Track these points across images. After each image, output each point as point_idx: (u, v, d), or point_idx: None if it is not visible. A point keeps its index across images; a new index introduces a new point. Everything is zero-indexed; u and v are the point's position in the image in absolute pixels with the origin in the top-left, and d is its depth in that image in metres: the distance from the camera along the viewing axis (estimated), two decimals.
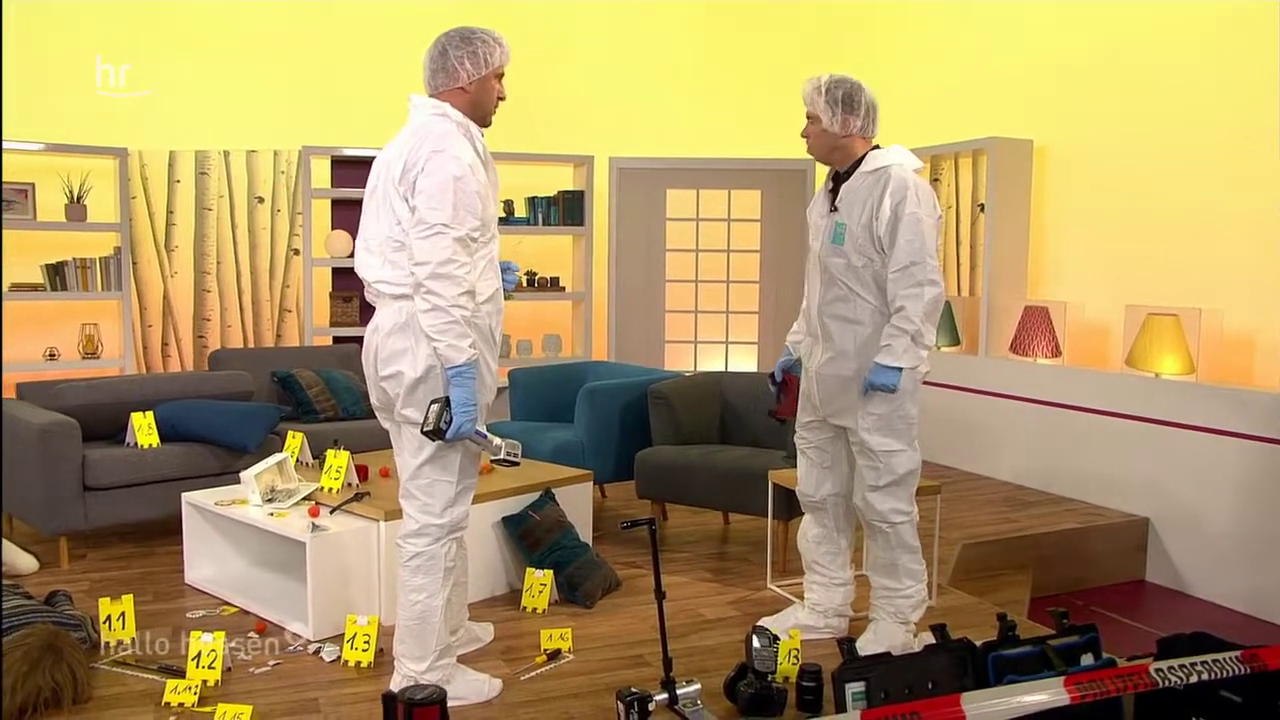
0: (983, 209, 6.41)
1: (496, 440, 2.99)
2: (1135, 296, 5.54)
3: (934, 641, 3.11)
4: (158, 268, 7.00)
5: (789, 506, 4.26)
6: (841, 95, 3.27)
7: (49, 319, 6.89)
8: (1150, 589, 5.19)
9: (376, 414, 3.09)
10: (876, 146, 3.36)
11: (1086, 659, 3.23)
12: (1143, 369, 5.33)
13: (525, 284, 7.56)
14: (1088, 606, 4.83)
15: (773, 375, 3.74)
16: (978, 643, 3.09)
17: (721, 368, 7.80)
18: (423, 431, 2.84)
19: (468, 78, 2.93)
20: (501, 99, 3.03)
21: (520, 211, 7.59)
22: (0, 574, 3.88)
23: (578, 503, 4.31)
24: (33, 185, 6.71)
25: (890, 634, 3.46)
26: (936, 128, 6.87)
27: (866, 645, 3.42)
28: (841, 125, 3.27)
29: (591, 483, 4.44)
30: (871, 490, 3.41)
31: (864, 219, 3.25)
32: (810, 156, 3.51)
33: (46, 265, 6.69)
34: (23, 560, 4.25)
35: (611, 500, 5.61)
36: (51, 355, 6.73)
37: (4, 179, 6.64)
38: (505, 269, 3.19)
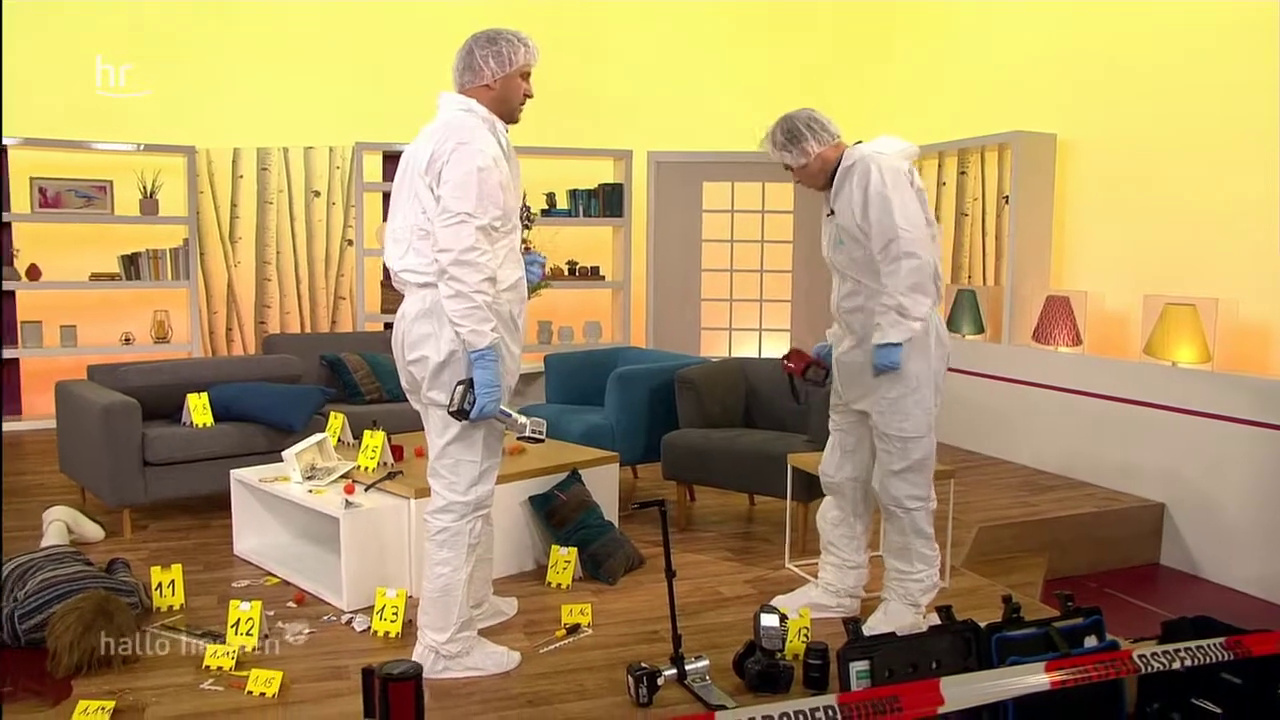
0: (1007, 201, 6.25)
1: (521, 419, 2.97)
2: (1153, 286, 5.37)
3: (939, 622, 3.05)
4: (222, 258, 7.09)
5: (809, 489, 4.20)
6: (784, 136, 3.27)
7: (125, 306, 7.03)
8: (1165, 573, 5.04)
9: (407, 396, 3.08)
10: (859, 141, 3.31)
11: (1090, 641, 3.13)
12: (1160, 358, 5.16)
13: (567, 273, 7.55)
14: (1102, 589, 4.70)
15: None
16: (984, 624, 3.02)
17: (755, 354, 7.73)
18: (449, 412, 2.82)
19: (492, 75, 2.91)
20: (528, 96, 3.00)
21: (562, 203, 7.57)
22: None
23: (604, 483, 4.27)
24: (111, 182, 6.83)
25: (899, 615, 3.39)
26: (964, 122, 6.72)
27: (875, 625, 3.35)
28: (804, 154, 3.26)
29: (617, 464, 4.39)
30: (889, 475, 3.34)
31: (850, 213, 3.22)
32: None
33: (122, 256, 6.81)
34: (90, 529, 4.32)
35: (644, 481, 5.57)
36: (127, 339, 6.85)
37: (86, 177, 6.78)
38: (532, 261, 3.16)
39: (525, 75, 2.97)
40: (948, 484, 3.98)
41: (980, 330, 6.43)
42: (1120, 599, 4.60)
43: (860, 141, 3.30)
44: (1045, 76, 6.32)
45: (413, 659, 3.00)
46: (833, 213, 3.33)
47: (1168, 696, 3.07)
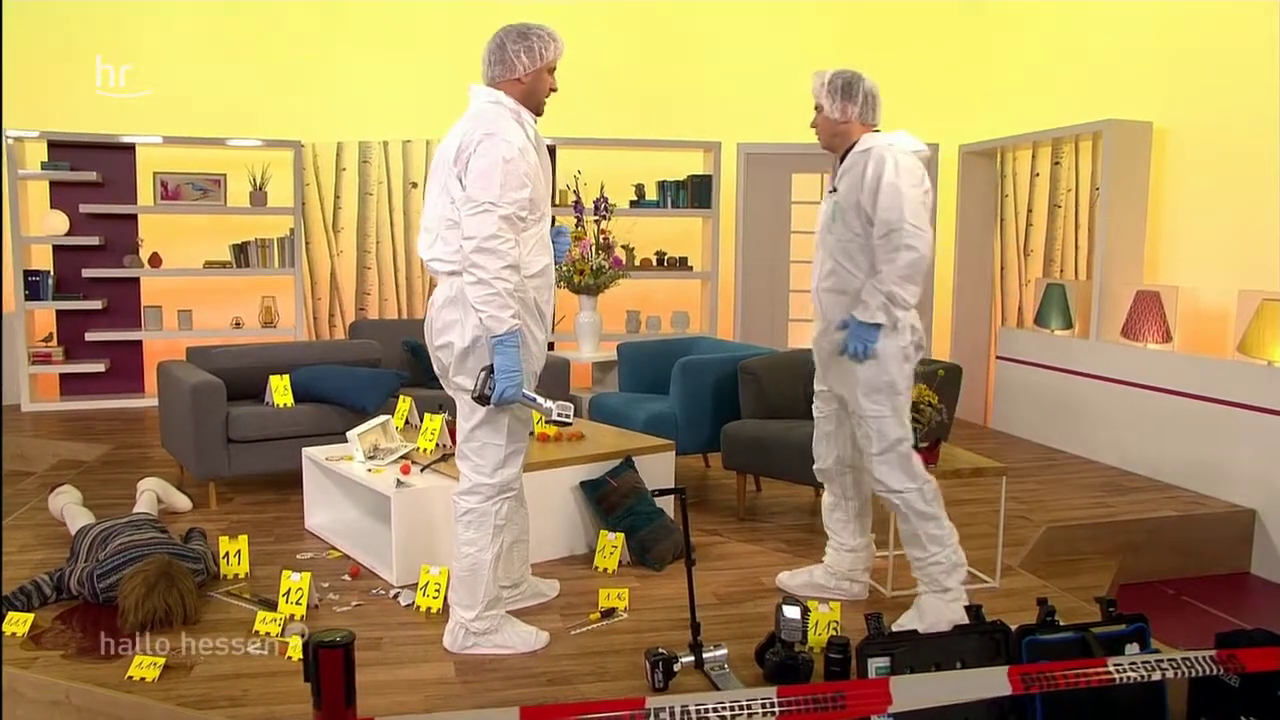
0: (1099, 191, 5.95)
1: (547, 402, 2.97)
2: (1251, 281, 5.03)
3: (968, 621, 2.94)
4: (326, 247, 7.37)
5: None
6: (841, 84, 3.26)
7: (236, 292, 7.38)
8: (1255, 582, 4.73)
9: (440, 382, 3.15)
10: (878, 130, 3.29)
11: (1132, 649, 2.98)
12: (1255, 356, 4.84)
13: (655, 263, 7.55)
14: (1179, 596, 4.45)
15: None
16: (1016, 626, 2.91)
17: None
18: (472, 397, 2.88)
19: (524, 70, 2.95)
20: (553, 90, 3.04)
21: (650, 194, 7.57)
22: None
23: (660, 470, 4.27)
24: (224, 176, 7.18)
25: (934, 610, 3.29)
26: (1058, 110, 6.43)
27: (907, 623, 3.26)
28: (841, 112, 3.26)
29: (673, 452, 4.39)
30: (871, 460, 3.29)
31: (853, 195, 3.20)
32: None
33: (233, 245, 7.15)
34: (179, 500, 4.57)
35: (713, 471, 5.55)
36: (237, 324, 7.20)
37: (203, 171, 7.16)
38: (559, 233, 3.17)
39: (552, 70, 3.01)
40: (1000, 481, 3.83)
41: (1069, 325, 6.15)
42: (1198, 608, 4.35)
43: (879, 130, 3.29)
44: (1142, 62, 5.99)
45: (444, 634, 3.11)
46: (835, 190, 3.32)
47: (1219, 710, 2.91)
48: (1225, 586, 4.66)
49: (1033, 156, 6.67)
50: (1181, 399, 5.18)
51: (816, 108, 3.32)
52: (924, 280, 3.16)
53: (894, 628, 3.21)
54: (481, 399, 2.84)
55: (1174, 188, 5.76)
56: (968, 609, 2.95)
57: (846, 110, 3.25)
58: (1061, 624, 2.94)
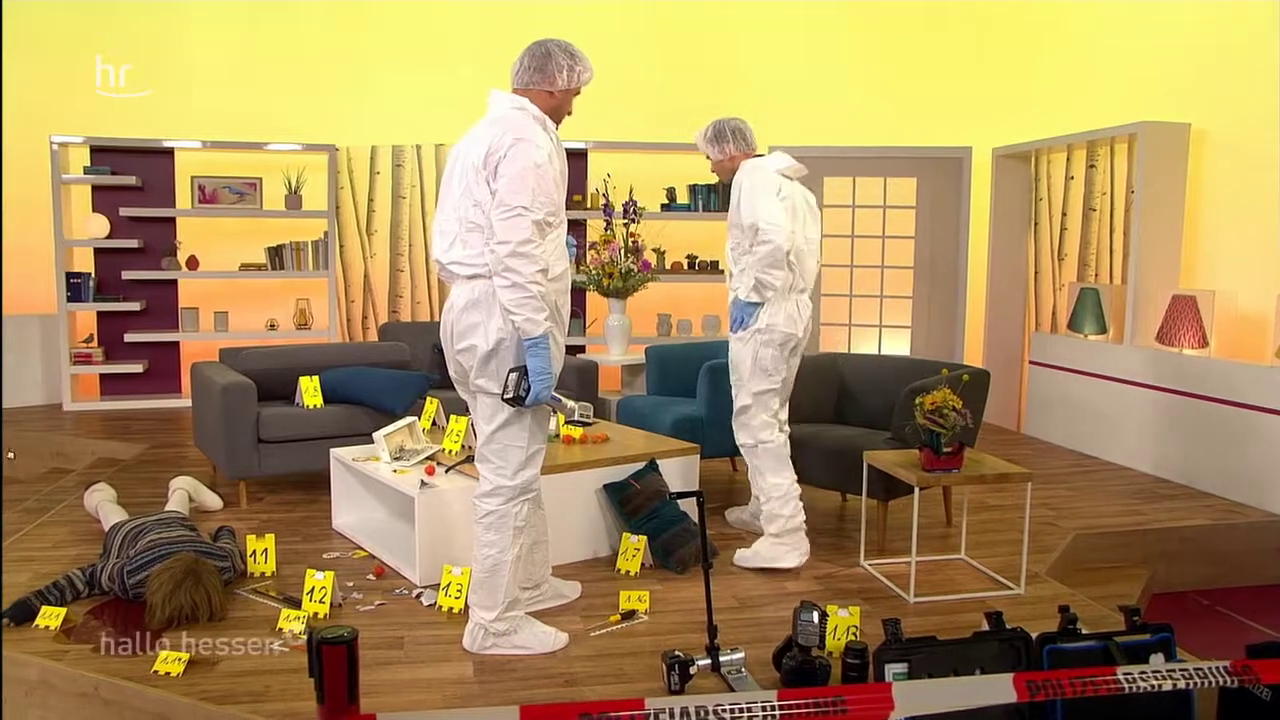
0: (1134, 194, 5.86)
1: (570, 403, 3.06)
2: None
3: (987, 628, 2.92)
4: (359, 250, 7.46)
5: (887, 487, 4.09)
6: (712, 133, 3.99)
7: (271, 294, 7.49)
8: None
9: (455, 386, 3.17)
10: (761, 155, 3.96)
11: (1158, 659, 2.94)
12: None
13: (686, 267, 7.56)
14: (1213, 607, 4.38)
15: None
16: (1037, 634, 2.88)
17: (875, 350, 7.55)
18: (504, 399, 2.90)
19: (560, 85, 3.03)
20: (569, 114, 3.13)
21: (682, 198, 7.58)
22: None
23: (684, 474, 4.28)
24: (260, 180, 7.30)
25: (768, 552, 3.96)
26: (1094, 113, 6.34)
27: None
28: (721, 152, 4.00)
29: (698, 455, 4.39)
30: (734, 419, 4.03)
31: (733, 209, 3.88)
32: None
33: (269, 248, 7.26)
34: (210, 498, 4.65)
35: (741, 475, 5.53)
36: (272, 325, 7.31)
37: (239, 175, 7.27)
38: (566, 244, 3.22)
39: (577, 94, 3.12)
40: (1024, 487, 3.79)
41: (1103, 330, 6.07)
42: (1233, 619, 4.27)
43: (760, 154, 3.95)
44: (1178, 63, 5.89)
45: (464, 635, 3.14)
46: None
47: None
48: (1264, 598, 4.56)
49: (1067, 159, 6.59)
50: (1218, 405, 5.09)
51: (706, 157, 4.03)
52: (794, 274, 3.85)
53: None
54: (515, 400, 2.86)
55: (1211, 190, 5.67)
56: (988, 615, 2.92)
57: (725, 149, 3.97)
58: (1085, 632, 2.91)
